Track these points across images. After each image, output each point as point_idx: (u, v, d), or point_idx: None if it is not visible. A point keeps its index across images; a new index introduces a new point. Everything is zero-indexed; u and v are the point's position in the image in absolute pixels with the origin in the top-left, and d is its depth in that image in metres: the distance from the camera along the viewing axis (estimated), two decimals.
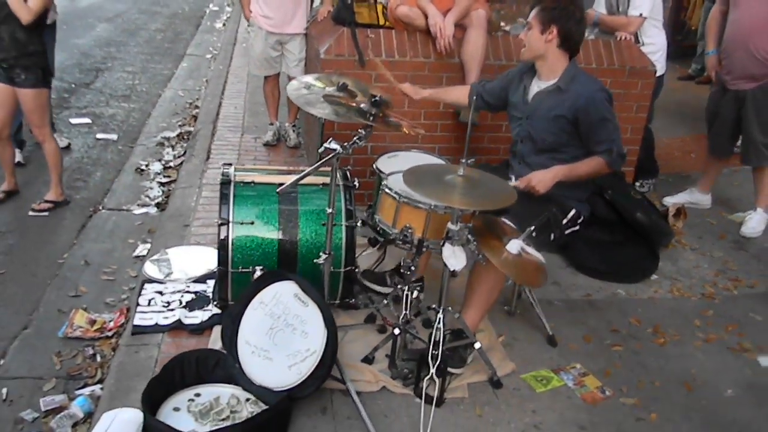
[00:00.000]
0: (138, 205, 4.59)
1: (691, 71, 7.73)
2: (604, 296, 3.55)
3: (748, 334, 3.28)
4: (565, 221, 2.82)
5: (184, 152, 5.43)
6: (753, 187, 4.42)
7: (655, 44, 4.39)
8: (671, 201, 4.53)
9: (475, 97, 3.14)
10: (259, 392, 2.48)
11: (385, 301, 3.04)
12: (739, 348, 3.17)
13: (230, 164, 3.06)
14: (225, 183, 2.89)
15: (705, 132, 4.62)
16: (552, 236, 2.78)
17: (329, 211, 2.57)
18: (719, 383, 2.92)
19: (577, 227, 2.91)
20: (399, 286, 2.86)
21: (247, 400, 2.49)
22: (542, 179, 2.77)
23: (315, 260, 2.66)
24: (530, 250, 2.51)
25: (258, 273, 2.76)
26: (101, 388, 2.74)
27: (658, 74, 4.36)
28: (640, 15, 4.20)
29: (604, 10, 4.40)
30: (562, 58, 2.84)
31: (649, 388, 2.86)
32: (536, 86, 2.94)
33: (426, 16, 3.91)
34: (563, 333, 3.16)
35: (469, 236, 2.42)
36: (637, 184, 4.67)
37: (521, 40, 2.92)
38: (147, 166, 5.23)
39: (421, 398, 2.56)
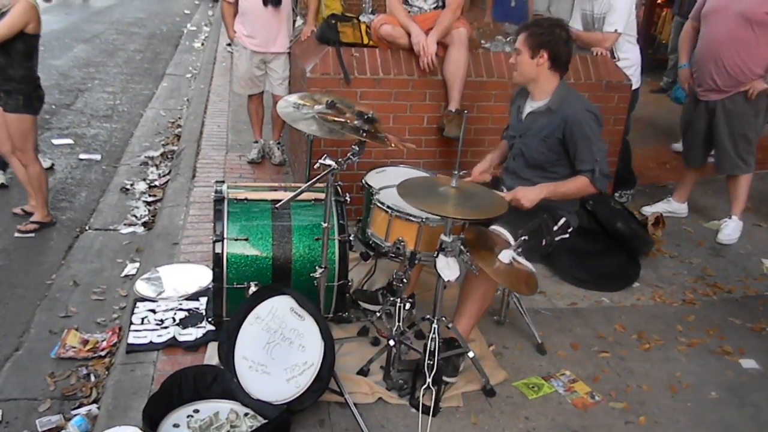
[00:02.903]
0: (124, 224, 4.60)
1: (662, 84, 7.97)
2: (589, 304, 3.64)
3: (728, 338, 3.38)
4: (555, 228, 2.90)
5: (169, 171, 5.44)
6: (727, 196, 4.57)
7: (629, 59, 4.54)
8: (649, 210, 4.65)
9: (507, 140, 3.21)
10: (258, 406, 2.50)
11: (378, 314, 3.09)
12: (720, 351, 3.27)
13: (222, 181, 3.10)
14: (218, 200, 2.93)
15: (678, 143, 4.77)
16: (543, 242, 2.87)
17: (325, 225, 2.61)
18: (703, 386, 3.01)
19: (567, 235, 2.99)
20: (392, 299, 2.91)
21: (246, 414, 2.51)
22: (527, 194, 2.82)
23: (310, 274, 2.70)
24: (521, 259, 2.58)
25: (253, 289, 2.79)
26: (97, 408, 2.73)
27: (633, 88, 4.52)
28: (615, 31, 4.34)
29: (580, 26, 4.53)
30: (553, 78, 2.93)
31: (637, 392, 2.94)
32: (529, 106, 3.03)
33: (409, 35, 3.99)
34: (551, 341, 3.24)
35: (462, 247, 2.48)
36: (616, 194, 4.79)
37: (512, 65, 2.99)
38: (132, 185, 5.24)
39: (417, 408, 2.61)
